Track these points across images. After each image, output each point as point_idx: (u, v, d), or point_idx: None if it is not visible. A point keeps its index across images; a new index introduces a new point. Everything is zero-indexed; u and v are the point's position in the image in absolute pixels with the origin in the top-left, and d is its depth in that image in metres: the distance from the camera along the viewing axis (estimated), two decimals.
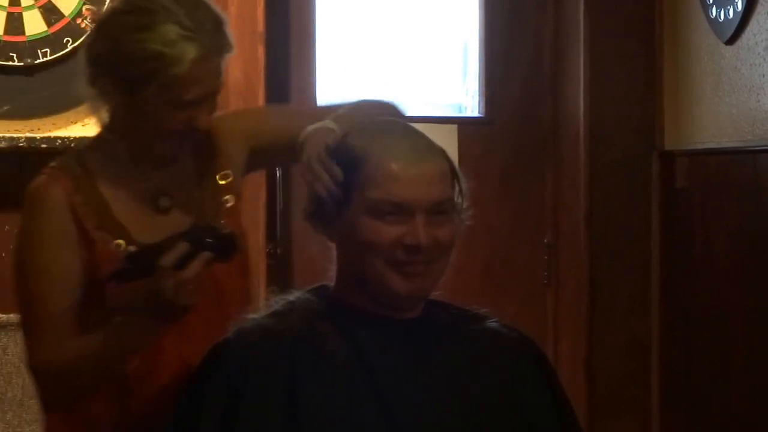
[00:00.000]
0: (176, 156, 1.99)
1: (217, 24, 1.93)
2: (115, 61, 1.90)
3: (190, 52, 1.87)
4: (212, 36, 1.91)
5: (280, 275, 3.31)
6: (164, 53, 1.86)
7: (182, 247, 1.81)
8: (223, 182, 2.04)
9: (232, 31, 1.96)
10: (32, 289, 1.93)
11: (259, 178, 3.01)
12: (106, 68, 1.92)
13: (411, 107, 3.44)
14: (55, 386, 1.91)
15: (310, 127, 1.92)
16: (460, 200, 1.85)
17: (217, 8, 1.95)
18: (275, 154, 2.15)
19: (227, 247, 1.84)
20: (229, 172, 2.05)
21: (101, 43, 1.93)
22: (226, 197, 2.03)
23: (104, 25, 1.95)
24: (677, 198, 3.32)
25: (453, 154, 3.27)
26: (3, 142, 3.04)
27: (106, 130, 2.00)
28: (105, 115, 1.99)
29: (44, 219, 1.93)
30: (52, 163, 1.99)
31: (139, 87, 1.89)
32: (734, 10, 2.95)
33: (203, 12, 1.92)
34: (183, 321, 1.85)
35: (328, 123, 1.92)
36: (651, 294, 3.41)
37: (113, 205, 1.96)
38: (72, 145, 3.05)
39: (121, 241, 1.93)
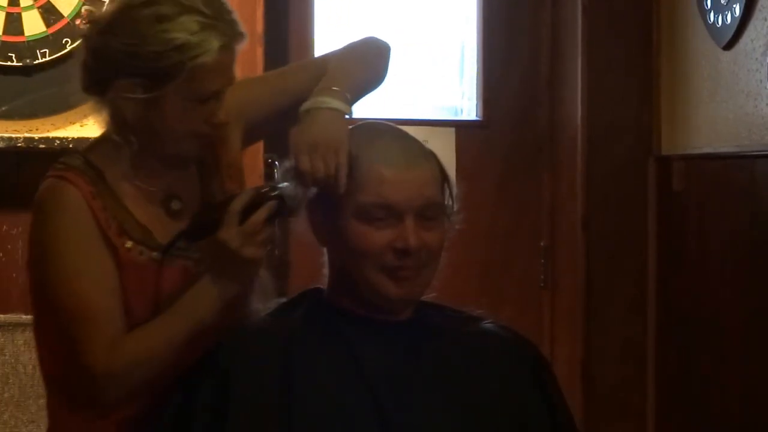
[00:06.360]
0: (192, 154, 1.90)
1: (232, 12, 1.85)
2: (134, 57, 1.78)
3: (214, 40, 1.79)
4: (231, 24, 1.83)
5: (278, 277, 3.30)
6: (189, 42, 1.77)
7: (249, 193, 1.78)
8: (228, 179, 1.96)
9: None
10: (71, 291, 1.80)
11: (257, 180, 3.01)
12: (122, 67, 1.80)
13: (409, 110, 3.48)
14: (118, 385, 1.80)
15: (315, 102, 1.85)
16: (450, 204, 1.85)
17: None
18: (273, 123, 2.05)
19: (293, 202, 1.79)
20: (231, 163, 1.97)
21: (115, 40, 1.80)
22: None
23: (116, 21, 1.81)
24: (674, 202, 3.33)
25: (450, 157, 3.32)
26: (1, 143, 3.04)
27: (113, 131, 1.87)
28: (111, 116, 1.86)
29: (69, 219, 1.81)
30: (59, 165, 1.86)
31: (161, 83, 1.78)
32: (732, 16, 2.96)
33: (218, 0, 1.84)
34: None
35: (328, 99, 1.84)
36: (647, 297, 3.41)
37: (133, 210, 1.86)
38: (70, 146, 3.06)
39: (142, 247, 1.84)
